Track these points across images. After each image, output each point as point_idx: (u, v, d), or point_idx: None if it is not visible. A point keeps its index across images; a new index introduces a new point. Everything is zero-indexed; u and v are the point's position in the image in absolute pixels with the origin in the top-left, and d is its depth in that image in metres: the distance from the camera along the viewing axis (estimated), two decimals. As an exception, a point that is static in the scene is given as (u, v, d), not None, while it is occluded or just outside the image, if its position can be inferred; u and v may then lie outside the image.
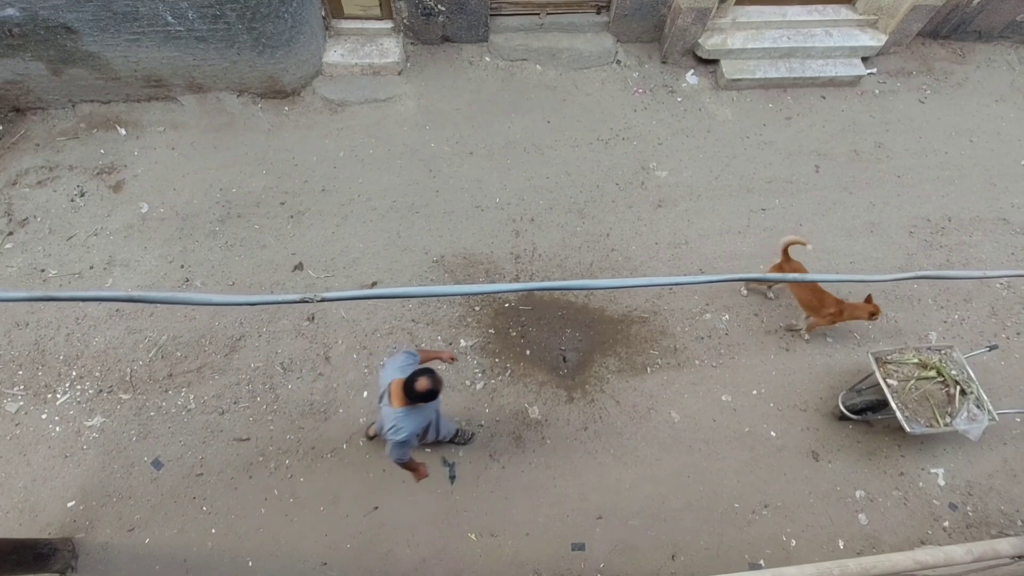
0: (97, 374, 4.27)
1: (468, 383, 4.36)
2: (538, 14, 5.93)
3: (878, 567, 1.47)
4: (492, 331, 4.57)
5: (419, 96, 5.69)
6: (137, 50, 4.93)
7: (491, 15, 5.85)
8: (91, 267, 4.69)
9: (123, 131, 5.31)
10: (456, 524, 3.88)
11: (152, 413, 4.17)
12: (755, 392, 4.45)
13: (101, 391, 4.23)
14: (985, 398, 3.90)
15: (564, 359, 4.50)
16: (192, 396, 4.22)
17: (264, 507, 3.91)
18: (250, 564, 3.74)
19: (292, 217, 4.95)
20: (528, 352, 4.51)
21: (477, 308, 4.66)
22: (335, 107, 5.55)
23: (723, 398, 4.42)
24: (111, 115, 5.38)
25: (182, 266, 4.70)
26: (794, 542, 3.95)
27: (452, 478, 4.00)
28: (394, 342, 4.43)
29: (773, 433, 4.31)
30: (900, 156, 5.68)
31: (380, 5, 5.62)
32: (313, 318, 4.49)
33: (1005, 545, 1.57)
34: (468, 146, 5.43)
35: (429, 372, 2.77)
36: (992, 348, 4.23)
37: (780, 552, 3.93)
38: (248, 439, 4.11)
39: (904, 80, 6.25)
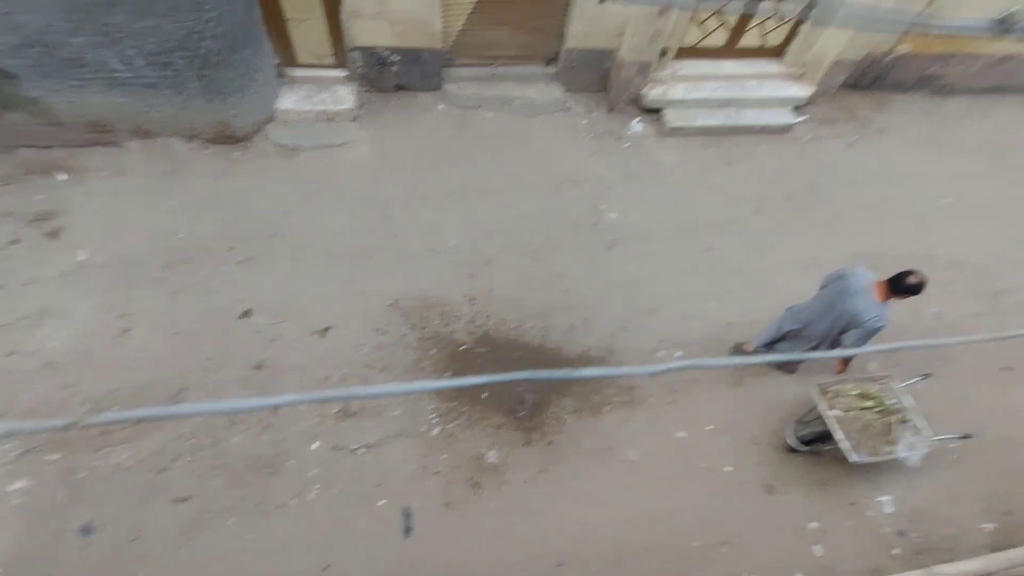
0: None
1: (424, 429, 4.27)
2: (490, 64, 6.17)
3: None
4: (448, 374, 4.53)
5: (374, 142, 5.76)
6: (81, 96, 4.84)
7: (444, 65, 6.05)
8: (23, 317, 4.43)
9: (63, 177, 5.14)
10: (412, 580, 3.72)
11: (83, 474, 3.89)
12: (710, 427, 4.53)
13: (27, 452, 3.93)
14: (923, 425, 4.08)
15: (521, 401, 4.48)
16: (128, 454, 3.97)
17: (207, 570, 3.65)
18: (187, 637, 3.47)
19: (241, 263, 4.85)
20: (485, 395, 4.47)
21: (433, 351, 4.62)
22: (288, 152, 5.56)
23: (678, 435, 4.47)
24: (51, 160, 5.21)
25: (122, 315, 4.49)
26: (753, 579, 3.96)
27: (407, 530, 3.86)
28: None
29: (728, 468, 4.37)
30: (832, 198, 6.07)
31: (334, 54, 5.74)
32: (261, 366, 4.35)
33: (951, 569, 1.62)
34: (423, 191, 5.50)
35: (917, 271, 3.56)
36: (926, 377, 4.46)
37: (740, 590, 3.92)
38: (190, 498, 3.87)
39: (831, 127, 6.75)
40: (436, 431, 4.26)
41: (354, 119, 5.81)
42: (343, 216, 5.23)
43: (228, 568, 3.65)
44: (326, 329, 4.59)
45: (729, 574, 3.95)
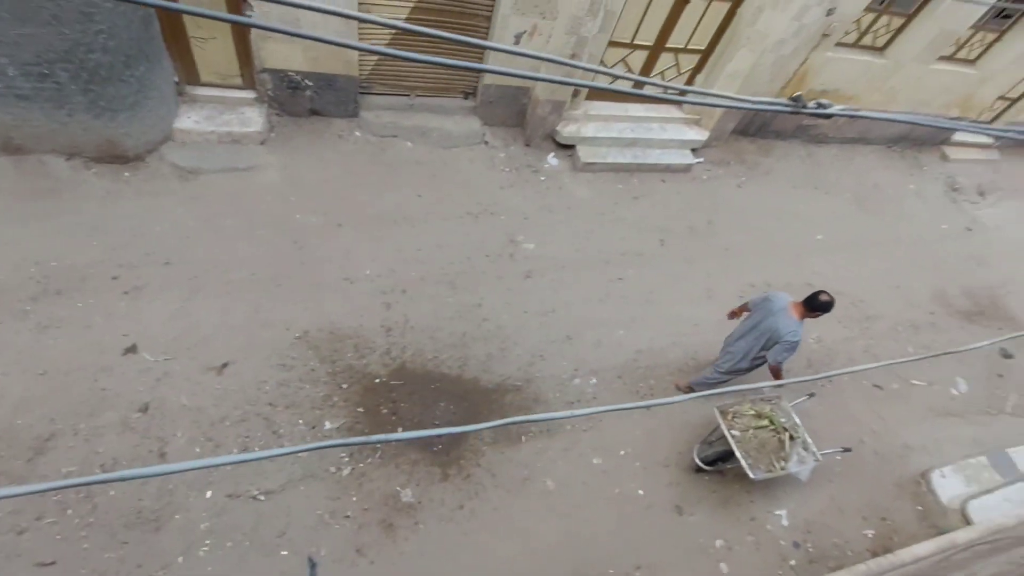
0: None
1: (334, 470, 4.03)
2: (408, 95, 6.19)
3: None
4: (361, 410, 4.33)
5: (284, 167, 5.54)
6: (-67, 105, 4.27)
7: (361, 92, 5.99)
8: None
9: (-95, 195, 4.47)
10: (316, 636, 3.43)
11: (-89, 545, 3.27)
12: (623, 452, 4.65)
13: None
14: (810, 441, 4.44)
15: (438, 435, 4.36)
16: (-26, 516, 3.39)
17: (67, 651, 3.16)
18: None
19: (127, 293, 4.40)
20: (400, 429, 4.32)
21: (345, 386, 4.41)
22: (187, 175, 5.19)
23: (594, 461, 4.55)
24: None
25: (-27, 354, 3.91)
26: (666, 601, 4.05)
27: (313, 581, 3.58)
28: (246, 430, 4.00)
29: (641, 491, 4.49)
30: (727, 233, 6.61)
31: (242, 75, 5.50)
32: (147, 408, 3.93)
33: None
34: (337, 218, 5.34)
35: (826, 291, 4.04)
36: (811, 396, 4.90)
37: (654, 613, 3.99)
38: (54, 563, 3.36)
39: (725, 169, 7.40)
40: (346, 471, 4.03)
41: (263, 142, 5.57)
42: (248, 243, 4.94)
43: (97, 644, 3.18)
44: (224, 365, 4.25)
45: (643, 598, 4.02)
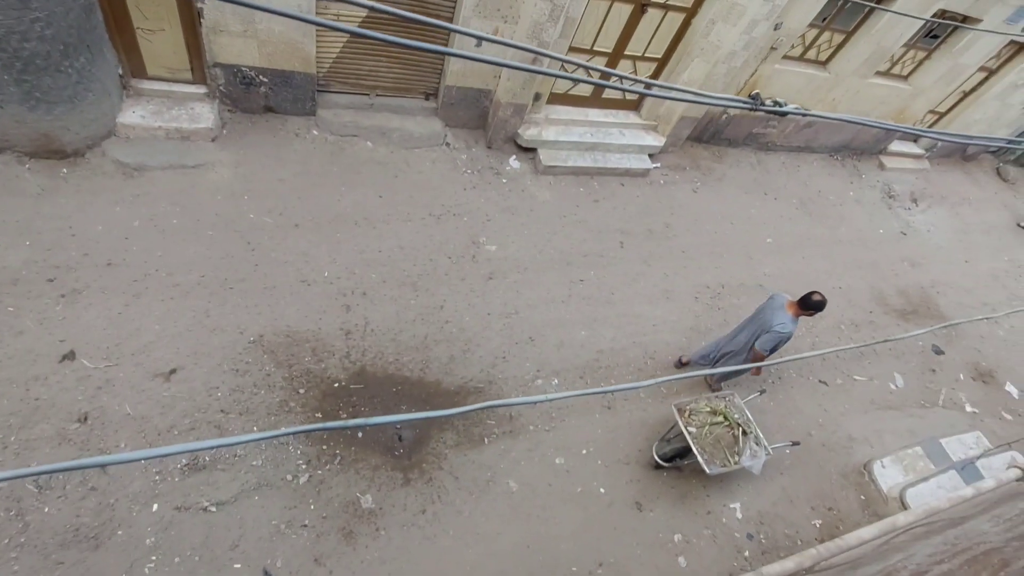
0: None
1: (290, 477, 3.90)
2: (367, 94, 6.09)
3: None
4: (320, 415, 4.22)
5: (237, 165, 5.34)
6: None
7: (319, 90, 5.85)
8: None
9: None
10: (272, 651, 3.31)
11: None
12: (584, 451, 4.70)
13: None
14: (762, 436, 4.61)
15: (400, 438, 4.30)
16: None
17: None
18: None
19: (64, 296, 4.14)
20: (360, 434, 4.23)
21: (302, 391, 4.28)
22: (130, 171, 4.93)
23: (557, 461, 4.58)
24: None
25: None
26: (627, 597, 4.11)
27: (268, 594, 3.45)
28: (196, 439, 3.82)
29: (602, 489, 4.55)
30: (683, 235, 6.80)
31: (191, 69, 5.28)
32: (86, 418, 3.70)
33: (774, 568, 1.82)
34: (293, 218, 5.19)
35: (819, 292, 4.39)
36: (762, 392, 5.09)
37: (616, 610, 4.04)
38: (-24, 590, 3.11)
39: (681, 174, 7.62)
40: (304, 478, 3.91)
41: (213, 139, 5.35)
42: (196, 244, 4.73)
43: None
44: (172, 371, 4.05)
45: (605, 595, 4.06)
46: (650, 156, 7.38)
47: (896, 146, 10.20)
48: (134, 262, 4.46)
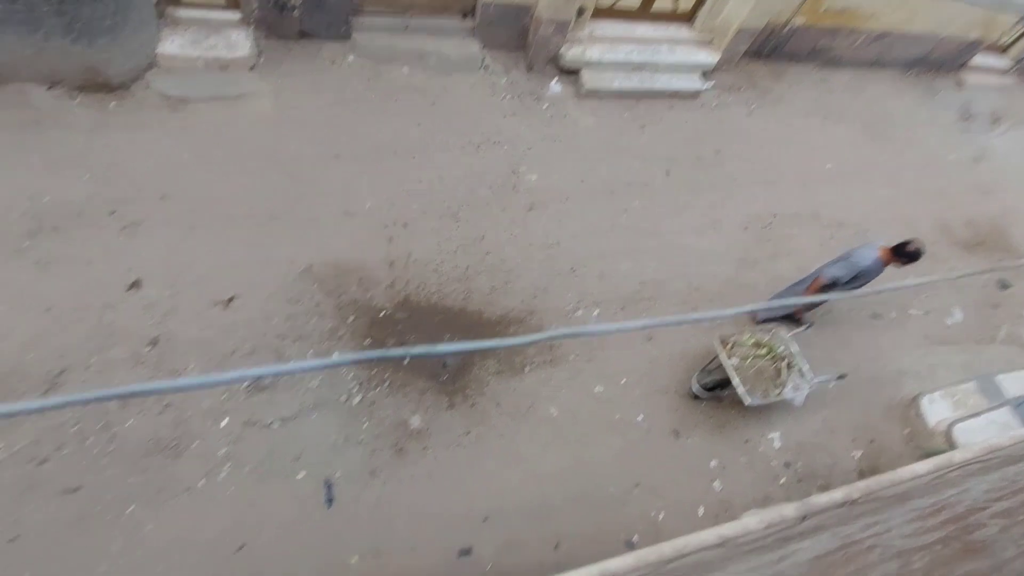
0: None
1: (344, 398, 4.14)
2: (403, 15, 5.82)
3: (689, 546, 1.67)
4: (368, 341, 4.40)
5: (276, 95, 5.30)
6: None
7: (353, 13, 5.63)
8: None
9: None
10: (335, 550, 3.67)
11: (-59, 473, 3.40)
12: (623, 381, 4.78)
13: None
14: (807, 368, 4.55)
15: (444, 365, 4.46)
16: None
17: (104, 564, 3.37)
18: (86, 634, 3.22)
19: (125, 228, 4.34)
20: (406, 360, 4.40)
21: (351, 319, 4.45)
22: (175, 104, 4.97)
23: (596, 389, 4.68)
24: None
25: (-24, 291, 3.90)
26: (662, 515, 4.30)
27: (329, 501, 3.78)
28: (258, 362, 4.07)
29: (640, 417, 4.65)
30: (734, 162, 6.45)
31: (225, -7, 5.15)
32: (156, 342, 3.98)
33: (790, 510, 1.84)
34: (333, 149, 5.17)
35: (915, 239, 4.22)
36: (809, 326, 4.97)
37: (651, 527, 4.25)
38: (79, 488, 3.52)
39: (735, 95, 7.10)
40: (357, 400, 4.15)
41: (252, 68, 5.29)
42: (242, 176, 4.81)
43: (123, 562, 3.39)
44: (230, 299, 4.26)
45: (641, 513, 4.26)
46: (703, 75, 6.87)
47: (979, 59, 9.13)
48: (186, 195, 4.59)
